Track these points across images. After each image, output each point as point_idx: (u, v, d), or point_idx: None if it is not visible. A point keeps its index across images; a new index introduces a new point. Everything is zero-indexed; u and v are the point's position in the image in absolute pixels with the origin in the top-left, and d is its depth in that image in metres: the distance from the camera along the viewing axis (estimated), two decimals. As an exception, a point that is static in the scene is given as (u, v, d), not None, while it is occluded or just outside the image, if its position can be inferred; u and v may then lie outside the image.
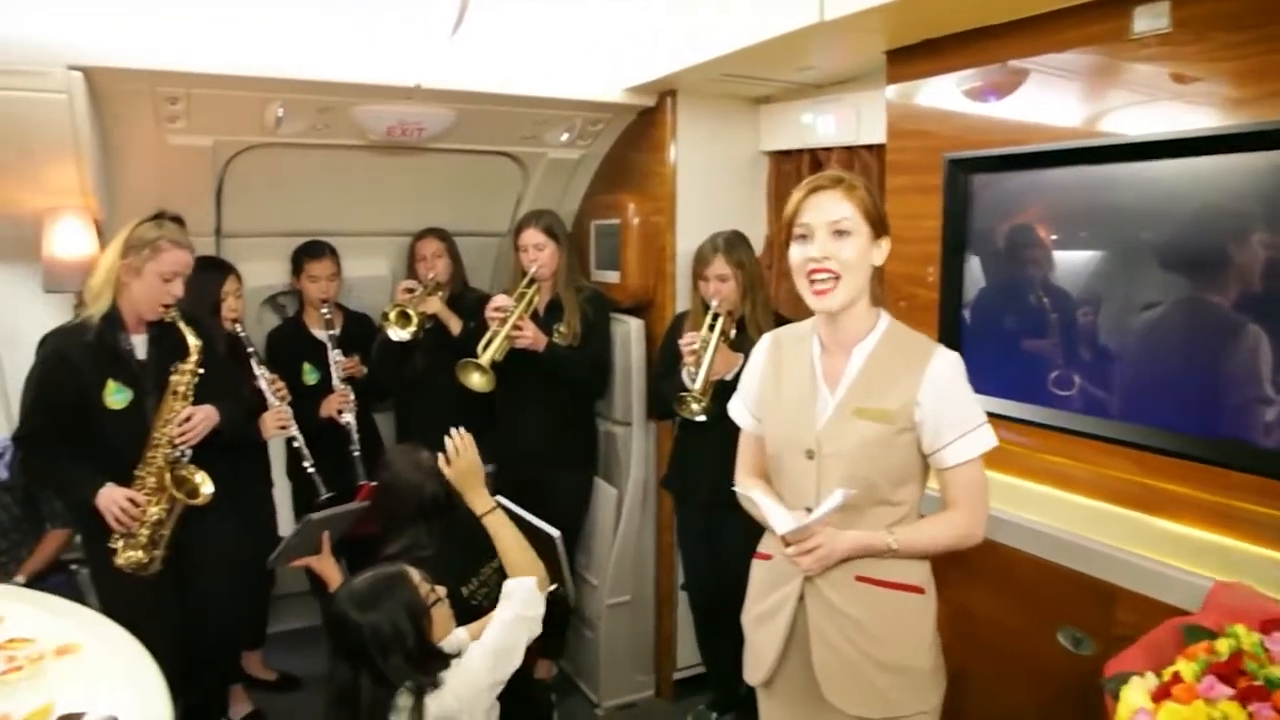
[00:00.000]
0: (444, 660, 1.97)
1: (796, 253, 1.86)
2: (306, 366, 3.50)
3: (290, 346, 3.55)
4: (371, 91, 3.01)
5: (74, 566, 3.30)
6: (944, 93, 2.50)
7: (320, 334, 3.50)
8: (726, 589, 3.11)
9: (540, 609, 2.16)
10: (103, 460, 2.64)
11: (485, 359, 3.07)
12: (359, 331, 3.63)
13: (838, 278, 1.81)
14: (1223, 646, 1.52)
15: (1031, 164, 2.29)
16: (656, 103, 3.36)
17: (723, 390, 2.86)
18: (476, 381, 3.11)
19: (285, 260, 3.59)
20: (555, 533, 2.47)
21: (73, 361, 2.60)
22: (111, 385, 2.63)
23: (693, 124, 3.36)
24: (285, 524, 3.56)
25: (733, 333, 3.00)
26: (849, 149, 3.09)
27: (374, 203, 3.67)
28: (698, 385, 2.83)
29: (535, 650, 2.43)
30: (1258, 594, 1.72)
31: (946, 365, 1.85)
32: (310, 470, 3.25)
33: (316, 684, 3.65)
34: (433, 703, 1.90)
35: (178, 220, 2.69)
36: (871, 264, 1.86)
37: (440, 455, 2.42)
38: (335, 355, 3.45)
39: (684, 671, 3.69)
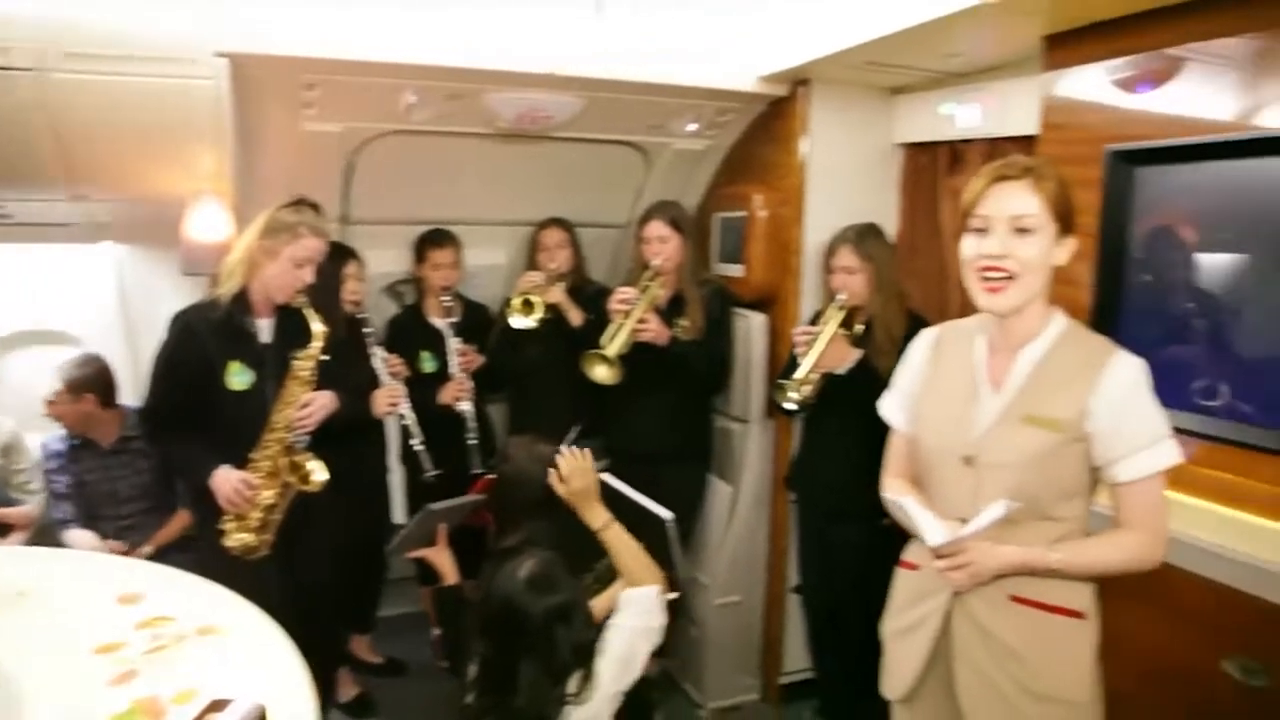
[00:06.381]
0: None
1: (970, 246, 1.74)
2: (424, 354, 3.51)
3: (409, 334, 3.56)
4: (504, 78, 2.99)
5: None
6: (1106, 81, 2.35)
7: (439, 322, 3.51)
8: (844, 595, 3.02)
9: (662, 618, 2.10)
10: (221, 441, 2.66)
11: (611, 351, 3.01)
12: (476, 321, 3.63)
13: (1012, 278, 1.68)
14: None
15: (1206, 156, 2.12)
16: (789, 92, 3.26)
17: (839, 386, 2.78)
18: (602, 374, 3.06)
19: (406, 248, 3.61)
20: (668, 515, 2.40)
21: (199, 338, 2.63)
22: (234, 366, 2.66)
23: (825, 115, 3.25)
24: (400, 509, 3.60)
25: (859, 328, 2.89)
26: (990, 141, 2.94)
27: (495, 192, 3.66)
28: (800, 373, 2.74)
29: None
30: None
31: (1126, 371, 1.71)
32: (418, 448, 3.27)
33: (420, 670, 3.72)
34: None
35: (316, 207, 2.72)
36: (1052, 264, 1.73)
37: (553, 471, 2.37)
38: (454, 343, 3.45)
39: (791, 676, 3.60)
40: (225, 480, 2.59)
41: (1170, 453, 1.70)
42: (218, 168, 2.90)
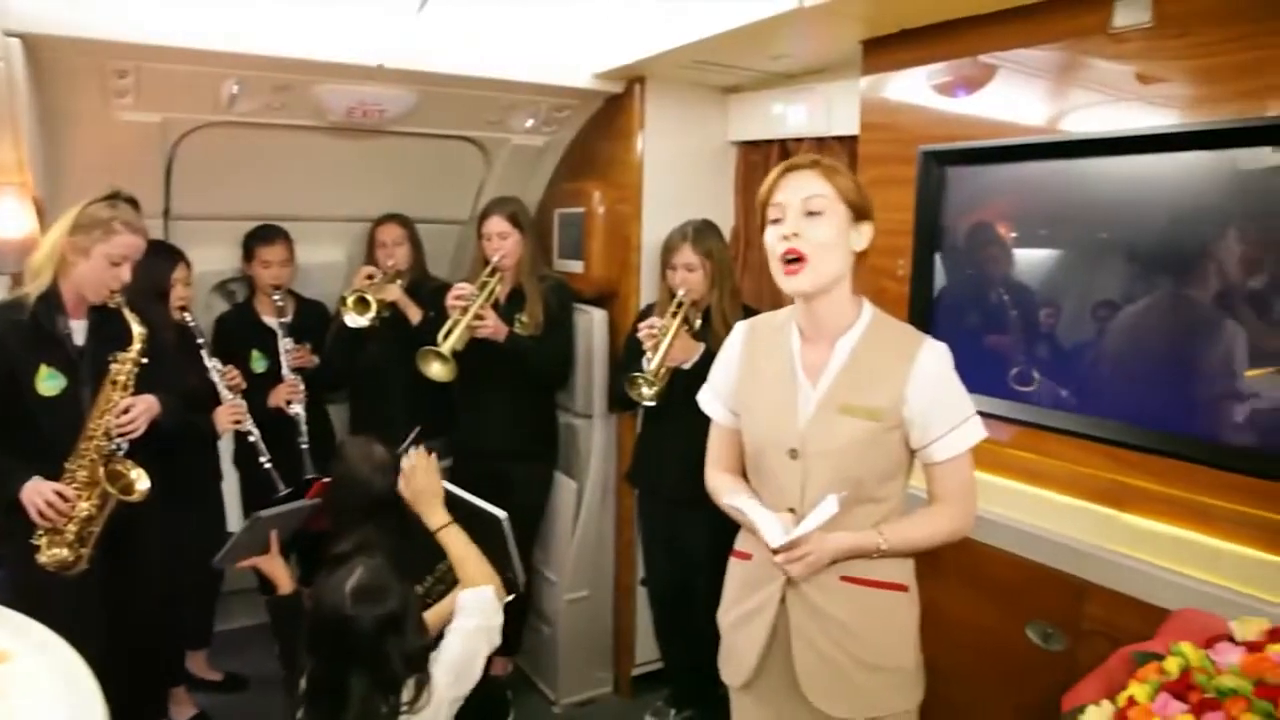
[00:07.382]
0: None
1: (771, 234, 1.80)
2: (255, 354, 3.37)
3: (239, 333, 3.42)
4: (332, 70, 2.90)
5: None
6: (920, 84, 2.48)
7: (271, 321, 3.38)
8: (688, 584, 3.08)
9: (499, 618, 2.08)
10: (32, 451, 2.48)
11: (446, 348, 2.97)
12: (312, 319, 3.51)
13: (803, 259, 1.74)
14: (1171, 665, 1.53)
15: (1009, 157, 2.27)
16: (625, 90, 3.30)
17: (679, 379, 2.84)
18: (437, 371, 3.01)
19: (236, 245, 3.45)
20: (501, 514, 2.37)
21: (1, 341, 2.45)
22: (44, 370, 2.48)
23: (661, 112, 3.30)
24: (234, 517, 3.45)
25: (697, 323, 2.96)
26: (819, 140, 3.05)
27: (331, 187, 3.55)
28: (651, 368, 2.79)
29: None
30: (1204, 615, 1.71)
31: (935, 358, 1.80)
32: (267, 466, 3.12)
33: (263, 684, 3.54)
34: None
35: (132, 202, 2.56)
36: (851, 249, 1.80)
37: (400, 472, 2.33)
38: (286, 343, 3.32)
39: (642, 667, 3.65)
40: (36, 492, 2.42)
41: (978, 429, 1.81)
42: (15, 158, 2.70)
